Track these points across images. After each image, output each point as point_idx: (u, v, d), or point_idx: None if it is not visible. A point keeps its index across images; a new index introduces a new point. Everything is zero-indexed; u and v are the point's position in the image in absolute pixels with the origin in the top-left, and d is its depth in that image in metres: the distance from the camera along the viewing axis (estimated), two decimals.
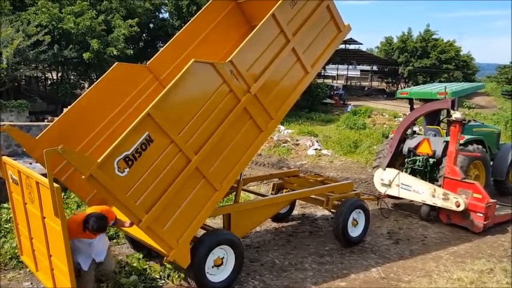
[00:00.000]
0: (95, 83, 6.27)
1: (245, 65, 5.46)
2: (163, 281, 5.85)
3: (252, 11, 7.35)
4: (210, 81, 5.17)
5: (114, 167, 4.38)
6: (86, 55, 20.43)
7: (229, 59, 5.31)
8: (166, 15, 31.16)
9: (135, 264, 6.18)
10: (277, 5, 5.67)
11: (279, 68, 5.87)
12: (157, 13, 30.65)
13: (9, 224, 6.98)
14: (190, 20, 7.11)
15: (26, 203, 5.21)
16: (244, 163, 5.77)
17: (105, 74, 6.24)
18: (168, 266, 5.97)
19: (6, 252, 6.33)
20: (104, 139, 6.06)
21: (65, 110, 6.11)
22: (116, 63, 6.39)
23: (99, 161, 4.28)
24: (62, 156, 4.11)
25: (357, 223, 7.50)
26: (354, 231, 7.45)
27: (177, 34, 6.91)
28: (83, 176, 4.22)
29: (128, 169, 4.47)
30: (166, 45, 6.84)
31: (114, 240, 7.12)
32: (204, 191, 5.24)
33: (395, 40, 43.99)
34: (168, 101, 4.80)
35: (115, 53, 21.65)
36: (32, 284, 5.71)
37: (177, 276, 5.88)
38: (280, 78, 5.97)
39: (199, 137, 5.12)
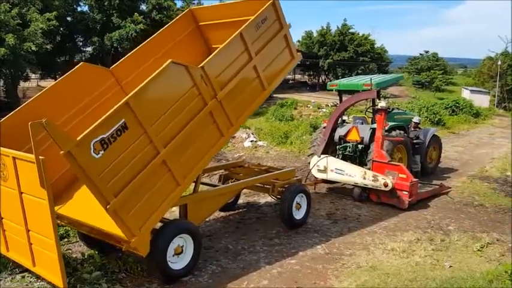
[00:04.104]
0: (57, 81, 6.34)
1: (214, 72, 6.00)
2: (124, 274, 5.96)
3: (210, 34, 8.19)
4: (182, 82, 5.64)
5: (90, 148, 4.58)
6: (0, 51, 19.00)
7: (201, 64, 5.79)
8: (85, 8, 29.81)
9: (91, 261, 6.19)
10: (245, 25, 6.35)
11: (242, 81, 6.53)
12: (75, 6, 29.22)
13: None
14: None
15: None
16: (204, 163, 6.26)
17: (68, 73, 6.41)
18: (130, 259, 6.09)
19: None
20: None
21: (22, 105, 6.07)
22: (81, 63, 6.59)
23: (78, 139, 4.46)
24: (45, 129, 4.29)
25: (300, 206, 8.09)
26: (298, 214, 8.04)
27: (140, 45, 7.48)
28: (61, 152, 4.38)
29: (102, 151, 4.70)
30: (130, 53, 7.36)
31: (66, 239, 7.05)
32: (168, 184, 5.55)
33: (315, 34, 45.78)
34: (144, 94, 5.14)
35: (33, 48, 20.41)
36: None
37: (138, 269, 6.00)
38: (242, 90, 6.62)
39: (169, 132, 5.50)
